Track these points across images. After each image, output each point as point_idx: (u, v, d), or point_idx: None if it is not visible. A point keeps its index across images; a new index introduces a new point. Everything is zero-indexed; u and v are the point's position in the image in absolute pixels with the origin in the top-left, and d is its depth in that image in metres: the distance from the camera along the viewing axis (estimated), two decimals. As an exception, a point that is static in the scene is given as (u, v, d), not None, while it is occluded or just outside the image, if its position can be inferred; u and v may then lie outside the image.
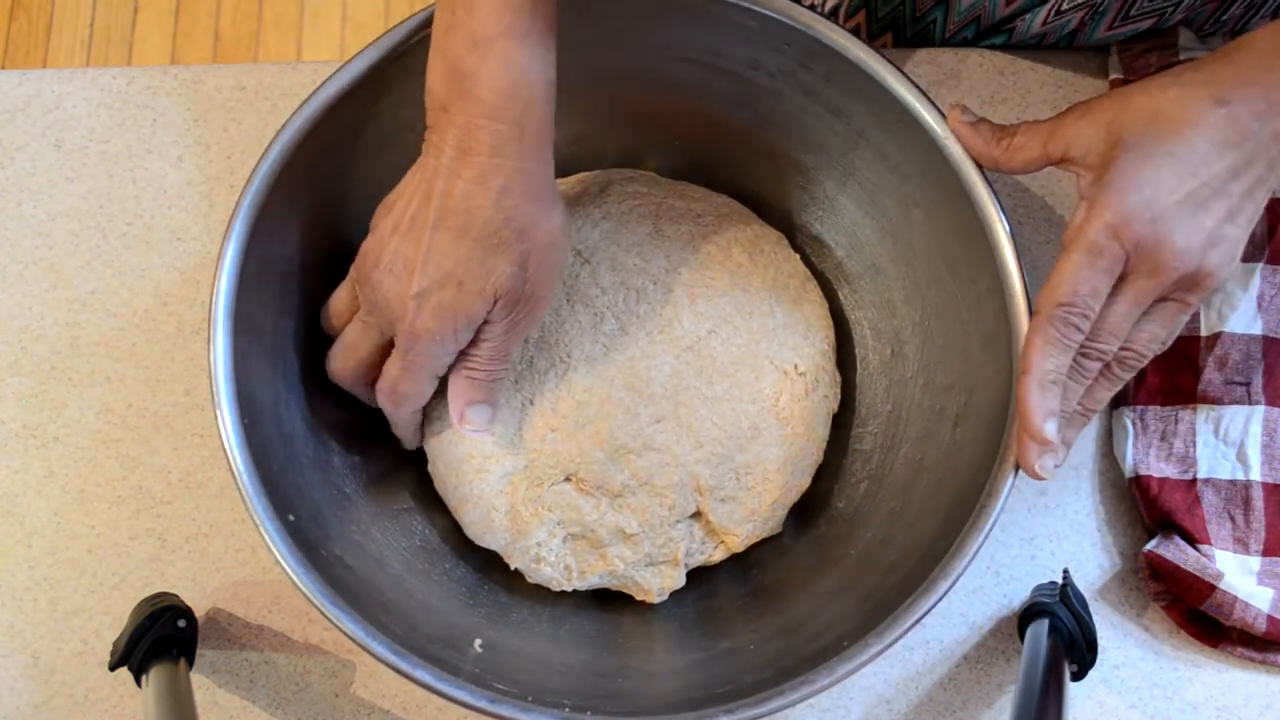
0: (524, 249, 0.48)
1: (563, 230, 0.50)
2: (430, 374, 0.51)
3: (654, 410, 0.56)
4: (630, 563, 0.57)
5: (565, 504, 0.56)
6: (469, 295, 0.48)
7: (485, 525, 0.56)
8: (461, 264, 0.48)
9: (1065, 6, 0.63)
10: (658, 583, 0.58)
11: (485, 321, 0.50)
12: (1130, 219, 0.45)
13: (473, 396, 0.52)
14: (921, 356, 0.58)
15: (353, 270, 0.52)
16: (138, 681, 0.55)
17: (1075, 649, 0.56)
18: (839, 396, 0.61)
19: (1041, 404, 0.47)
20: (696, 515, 0.58)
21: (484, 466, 0.56)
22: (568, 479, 0.56)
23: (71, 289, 0.65)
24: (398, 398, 0.52)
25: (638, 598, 0.59)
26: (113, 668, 0.55)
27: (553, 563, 0.57)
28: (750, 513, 0.58)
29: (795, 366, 0.59)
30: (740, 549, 0.59)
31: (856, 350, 0.63)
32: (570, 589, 0.58)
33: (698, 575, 0.60)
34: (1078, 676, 0.56)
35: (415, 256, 0.48)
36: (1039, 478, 0.48)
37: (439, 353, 0.50)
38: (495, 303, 0.49)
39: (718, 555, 0.59)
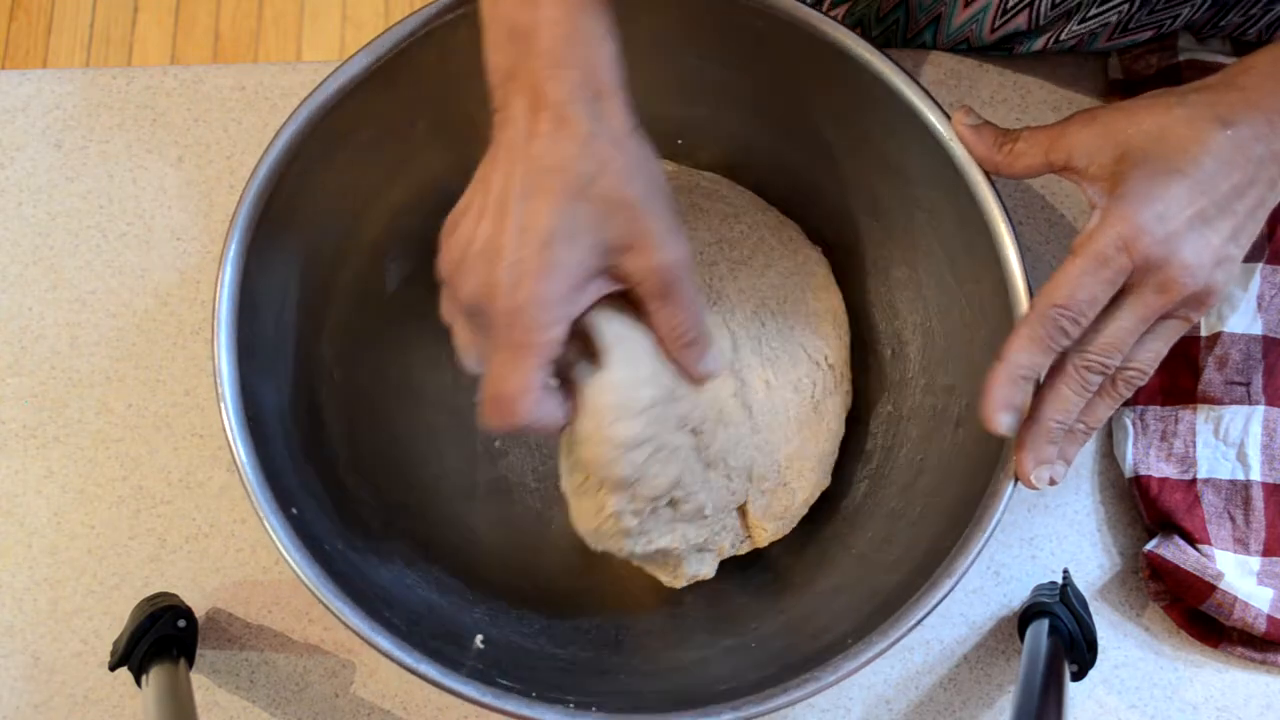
0: (628, 191, 0.43)
1: (656, 164, 0.45)
2: (540, 359, 0.42)
3: (729, 383, 0.55)
4: (690, 543, 0.54)
5: (684, 460, 0.51)
6: (581, 248, 0.42)
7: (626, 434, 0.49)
8: (565, 218, 0.42)
9: (1064, 36, 0.64)
10: (690, 570, 0.56)
11: (635, 286, 0.44)
12: (1142, 232, 0.45)
13: (697, 349, 0.46)
14: (923, 358, 0.58)
15: (441, 297, 0.46)
16: (138, 681, 0.55)
17: (1075, 649, 0.56)
18: (852, 394, 0.61)
19: (1005, 394, 0.47)
20: (738, 509, 0.58)
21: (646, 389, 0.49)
22: (694, 431, 0.52)
23: (71, 289, 0.65)
24: (505, 404, 0.43)
25: (663, 580, 0.57)
26: (113, 668, 0.55)
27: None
28: (784, 509, 0.57)
29: (826, 358, 0.59)
30: (764, 544, 0.58)
31: (857, 350, 0.63)
32: (625, 552, 0.54)
33: (699, 574, 0.60)
34: (1078, 676, 0.56)
35: (503, 228, 0.42)
36: (1034, 487, 0.48)
37: (548, 321, 0.42)
38: (615, 254, 0.43)
39: (744, 549, 0.59)
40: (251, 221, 0.50)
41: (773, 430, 0.56)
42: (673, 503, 0.53)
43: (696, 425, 0.51)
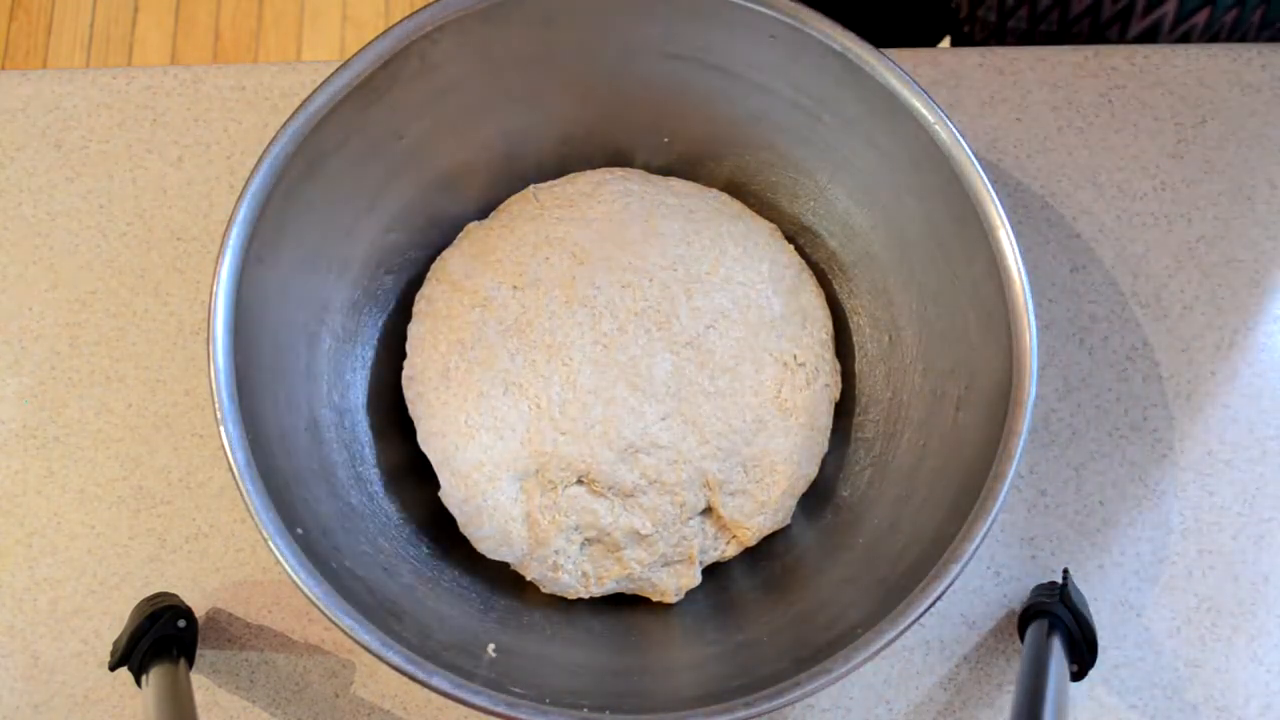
0: None
1: None
2: None
3: (659, 408, 0.56)
4: (646, 564, 0.57)
5: (580, 508, 0.56)
6: None
7: (502, 538, 0.56)
8: None
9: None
10: (674, 583, 0.58)
11: None
12: None
13: None
14: (920, 342, 0.59)
15: None
16: (138, 681, 0.55)
17: (1075, 649, 0.56)
18: (840, 385, 0.61)
19: None
20: (707, 512, 0.58)
21: (495, 475, 0.55)
22: (580, 481, 0.56)
23: (71, 289, 0.65)
24: None
25: (654, 599, 0.59)
26: (113, 668, 0.55)
27: (570, 570, 0.57)
28: (760, 505, 0.58)
29: (795, 357, 0.59)
30: (752, 542, 0.59)
31: (854, 338, 0.63)
32: (587, 596, 0.58)
33: (709, 570, 0.60)
34: (1078, 676, 0.56)
35: None
36: None
37: None
38: None
39: (731, 550, 0.59)
40: (250, 223, 0.50)
41: (726, 437, 0.57)
42: (589, 540, 0.57)
43: (583, 474, 0.56)
